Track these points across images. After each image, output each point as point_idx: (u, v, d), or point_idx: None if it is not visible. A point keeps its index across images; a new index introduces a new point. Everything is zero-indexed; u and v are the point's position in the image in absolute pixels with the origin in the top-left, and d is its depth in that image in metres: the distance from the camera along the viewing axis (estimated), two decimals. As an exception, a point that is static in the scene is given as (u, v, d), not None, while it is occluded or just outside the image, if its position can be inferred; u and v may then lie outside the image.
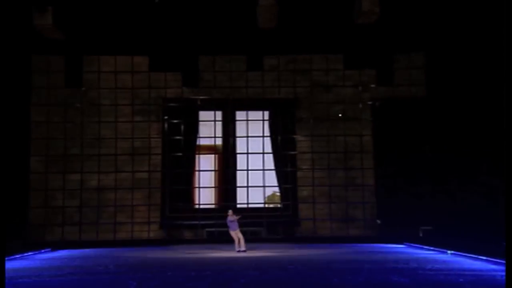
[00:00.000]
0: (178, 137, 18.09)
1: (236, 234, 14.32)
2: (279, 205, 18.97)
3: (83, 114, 17.77)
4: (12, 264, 12.37)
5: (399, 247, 15.95)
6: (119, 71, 18.01)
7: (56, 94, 17.70)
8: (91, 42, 17.21)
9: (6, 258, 12.93)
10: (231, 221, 14.28)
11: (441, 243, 13.99)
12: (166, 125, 18.19)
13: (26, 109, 17.34)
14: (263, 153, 18.33)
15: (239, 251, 14.12)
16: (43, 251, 15.59)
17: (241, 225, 14.68)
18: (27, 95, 17.43)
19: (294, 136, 18.33)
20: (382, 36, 17.03)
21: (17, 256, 13.86)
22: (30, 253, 14.72)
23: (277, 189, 19.04)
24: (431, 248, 14.50)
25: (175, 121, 18.19)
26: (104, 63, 18.00)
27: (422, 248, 14.93)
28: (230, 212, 14.57)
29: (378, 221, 17.60)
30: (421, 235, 16.48)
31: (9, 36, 15.16)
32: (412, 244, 15.91)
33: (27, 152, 17.30)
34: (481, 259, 11.32)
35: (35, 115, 17.55)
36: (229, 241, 16.94)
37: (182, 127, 18.13)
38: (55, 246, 16.30)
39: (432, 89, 17.61)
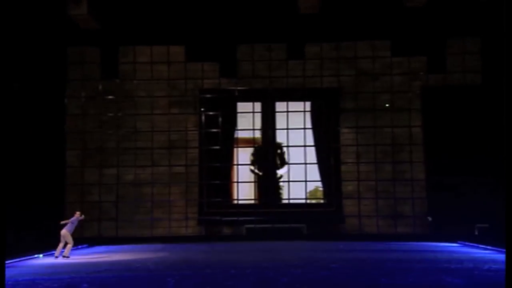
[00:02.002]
0: (215, 130, 18.21)
1: (68, 236, 13.01)
2: (322, 201, 18.88)
3: (118, 107, 18.12)
4: (50, 260, 12.79)
5: (452, 246, 15.60)
6: (155, 61, 18.26)
7: (91, 86, 18.11)
8: (126, 32, 17.51)
9: (43, 254, 13.43)
10: (73, 222, 13.15)
11: (499, 242, 13.58)
12: (203, 117, 18.34)
13: (61, 101, 17.82)
14: (305, 146, 18.26)
15: (57, 257, 12.88)
16: (80, 247, 16.01)
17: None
18: (63, 87, 17.90)
19: (338, 128, 18.15)
20: (433, 20, 16.63)
21: (54, 251, 14.27)
22: (67, 249, 15.10)
23: (319, 184, 18.94)
24: (488, 247, 14.11)
25: (212, 113, 18.31)
26: (139, 53, 18.28)
27: (477, 247, 14.55)
28: (78, 213, 13.52)
29: (429, 218, 17.26)
30: (476, 233, 16.07)
31: (44, 27, 15.62)
32: (466, 243, 15.54)
33: (63, 146, 17.78)
34: (544, 260, 10.91)
35: (71, 108, 18.02)
36: (269, 238, 17.04)
37: (220, 119, 18.23)
38: (92, 242, 16.74)
39: (488, 76, 17.09)
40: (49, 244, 14.34)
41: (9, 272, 10.50)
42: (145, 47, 18.25)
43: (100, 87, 18.12)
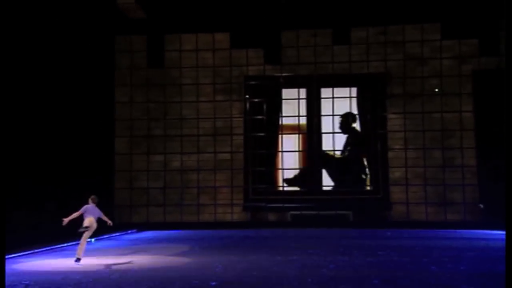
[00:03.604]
0: (260, 117, 18.21)
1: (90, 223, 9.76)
2: (368, 188, 18.65)
3: (165, 94, 18.36)
4: (101, 244, 13.17)
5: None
6: (200, 49, 18.36)
7: (138, 74, 18.40)
8: (172, 20, 17.68)
9: (95, 238, 13.81)
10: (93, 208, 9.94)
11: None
12: (248, 104, 18.36)
13: (110, 89, 18.20)
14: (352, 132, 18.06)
15: (77, 261, 9.65)
16: (129, 232, 16.42)
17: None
18: (111, 76, 18.26)
19: (385, 114, 17.82)
20: (485, 0, 16.01)
21: (105, 236, 14.69)
22: (117, 234, 15.55)
23: (366, 170, 18.69)
24: (543, 236, 13.57)
25: (257, 100, 18.30)
26: (185, 41, 18.42)
27: (532, 236, 14.03)
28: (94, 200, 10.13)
29: (481, 206, 16.79)
30: (531, 221, 15.50)
31: (93, 17, 15.96)
32: (520, 231, 15.00)
33: (112, 133, 18.19)
34: None
35: (119, 96, 18.38)
36: (315, 225, 16.95)
37: (265, 106, 18.21)
38: (141, 227, 17.11)
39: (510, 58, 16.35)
40: (100, 230, 14.75)
41: (63, 255, 10.90)
42: (190, 35, 18.37)
43: (147, 74, 18.38)
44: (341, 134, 18.43)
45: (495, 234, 15.04)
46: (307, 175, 18.55)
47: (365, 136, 18.25)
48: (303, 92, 18.49)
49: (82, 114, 15.69)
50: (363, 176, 18.60)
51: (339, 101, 18.09)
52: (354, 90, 18.35)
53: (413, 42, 17.68)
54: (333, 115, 18.01)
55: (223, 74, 18.37)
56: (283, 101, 18.55)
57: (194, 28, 18.11)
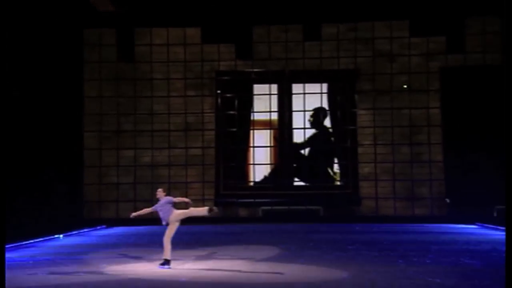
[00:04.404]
0: (232, 112, 18.22)
1: (172, 229, 9.12)
2: (338, 183, 18.87)
3: (135, 89, 18.18)
4: (70, 241, 13.02)
5: (470, 227, 15.53)
6: (171, 43, 18.24)
7: (108, 68, 18.16)
8: (142, 14, 17.48)
9: (63, 235, 13.66)
10: (163, 205, 9.14)
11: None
12: (219, 100, 18.34)
13: (79, 84, 17.91)
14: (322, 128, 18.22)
15: (165, 264, 8.64)
16: (98, 227, 16.26)
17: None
18: (80, 70, 17.98)
19: (355, 110, 18.05)
20: (452, -1, 16.36)
21: (73, 232, 14.54)
22: (86, 230, 15.39)
23: (336, 165, 18.90)
24: (506, 229, 13.98)
25: (228, 95, 18.30)
26: (156, 35, 18.25)
27: (496, 229, 14.42)
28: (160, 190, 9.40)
29: (447, 200, 17.17)
30: (495, 215, 15.95)
31: (61, 10, 15.68)
32: (485, 225, 15.45)
33: (81, 128, 17.92)
34: None
35: (88, 90, 18.11)
36: (286, 220, 17.07)
37: (236, 101, 18.22)
38: (110, 223, 16.94)
39: (509, 56, 16.76)
40: (68, 226, 14.59)
41: (30, 252, 10.74)
42: (161, 29, 18.21)
43: (116, 68, 18.17)
44: (312, 130, 18.57)
45: (461, 228, 15.46)
46: (278, 171, 18.67)
47: (335, 132, 18.46)
48: (274, 87, 18.55)
49: (50, 109, 15.43)
50: (333, 172, 18.80)
51: (310, 97, 18.22)
52: (325, 86, 18.50)
53: (382, 39, 17.91)
54: (304, 110, 18.14)
55: (194, 69, 18.30)
56: (255, 96, 18.59)
57: (165, 22, 17.94)
